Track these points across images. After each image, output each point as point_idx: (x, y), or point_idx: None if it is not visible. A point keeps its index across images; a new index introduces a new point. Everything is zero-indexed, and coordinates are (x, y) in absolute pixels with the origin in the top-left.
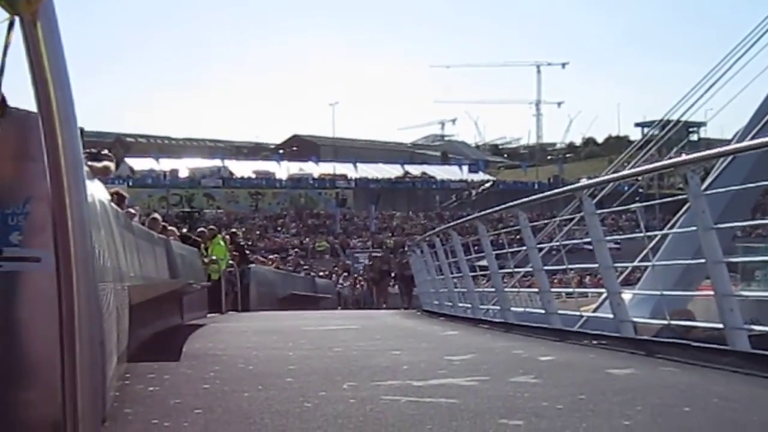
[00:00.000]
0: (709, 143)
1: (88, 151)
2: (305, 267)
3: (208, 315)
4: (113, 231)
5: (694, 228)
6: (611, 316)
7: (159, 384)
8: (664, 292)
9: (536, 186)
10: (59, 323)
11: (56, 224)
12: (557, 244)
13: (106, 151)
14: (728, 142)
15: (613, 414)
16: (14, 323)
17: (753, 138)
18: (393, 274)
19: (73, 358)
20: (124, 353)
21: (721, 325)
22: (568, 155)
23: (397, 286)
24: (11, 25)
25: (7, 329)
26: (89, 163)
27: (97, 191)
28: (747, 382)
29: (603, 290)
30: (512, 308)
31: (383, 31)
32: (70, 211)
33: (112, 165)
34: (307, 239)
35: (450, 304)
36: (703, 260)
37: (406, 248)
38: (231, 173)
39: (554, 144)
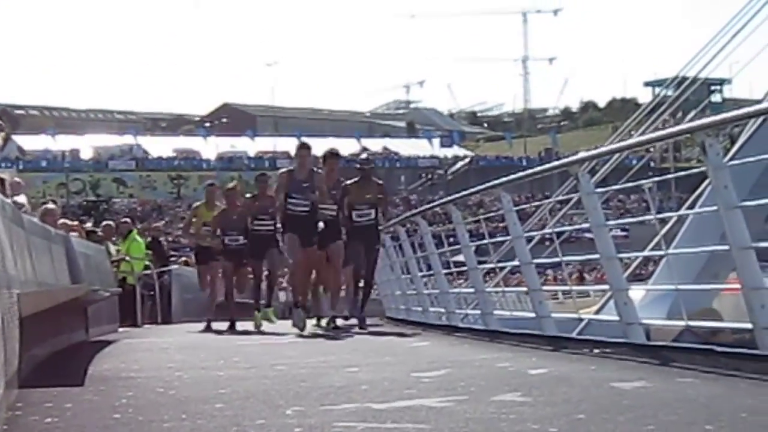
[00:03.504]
0: (736, 104)
1: None
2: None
3: (120, 329)
4: None
5: (716, 207)
6: (617, 318)
7: (58, 414)
8: (682, 287)
9: (524, 162)
10: None
11: None
12: (550, 231)
13: None
14: (758, 102)
15: None
16: None
17: None
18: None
19: None
20: (14, 377)
21: (750, 326)
22: (562, 123)
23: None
24: None
25: None
26: None
27: None
28: None
29: (606, 287)
30: (496, 312)
31: None
32: None
33: None
34: None
35: (419, 309)
36: (727, 246)
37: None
38: (146, 153)
39: (546, 110)
